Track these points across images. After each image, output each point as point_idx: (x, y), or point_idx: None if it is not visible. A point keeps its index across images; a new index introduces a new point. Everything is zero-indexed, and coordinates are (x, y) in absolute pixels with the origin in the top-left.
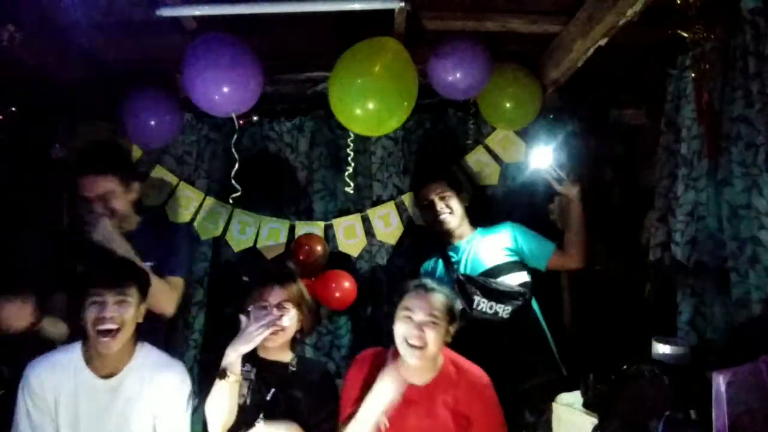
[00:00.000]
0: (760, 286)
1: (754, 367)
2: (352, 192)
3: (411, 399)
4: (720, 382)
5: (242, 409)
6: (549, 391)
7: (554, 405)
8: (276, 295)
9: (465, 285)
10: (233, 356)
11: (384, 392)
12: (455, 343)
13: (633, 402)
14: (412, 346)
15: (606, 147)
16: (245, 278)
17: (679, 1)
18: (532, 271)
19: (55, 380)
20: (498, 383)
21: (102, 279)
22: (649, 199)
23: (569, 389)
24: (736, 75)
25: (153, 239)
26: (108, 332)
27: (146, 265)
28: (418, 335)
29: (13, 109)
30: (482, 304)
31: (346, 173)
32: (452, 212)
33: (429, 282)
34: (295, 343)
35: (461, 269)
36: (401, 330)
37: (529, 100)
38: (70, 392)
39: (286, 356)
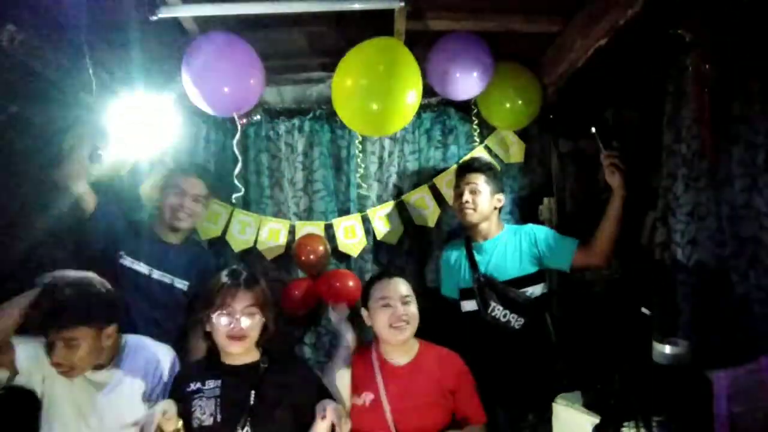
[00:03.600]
0: (760, 286)
1: (754, 367)
2: (366, 193)
3: (396, 374)
4: (720, 382)
5: (212, 428)
6: (550, 392)
7: (554, 405)
8: (241, 299)
9: (484, 287)
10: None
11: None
12: (466, 343)
13: (633, 402)
14: (397, 327)
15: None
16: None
17: (678, 1)
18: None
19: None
20: (498, 384)
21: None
22: (649, 199)
23: (569, 389)
24: (736, 75)
25: (190, 261)
26: (58, 365)
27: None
28: (403, 313)
29: (14, 108)
30: (497, 310)
31: (358, 174)
32: (475, 210)
33: (388, 271)
34: (260, 342)
35: (483, 271)
36: (384, 317)
37: (529, 100)
38: (61, 379)
39: (254, 356)
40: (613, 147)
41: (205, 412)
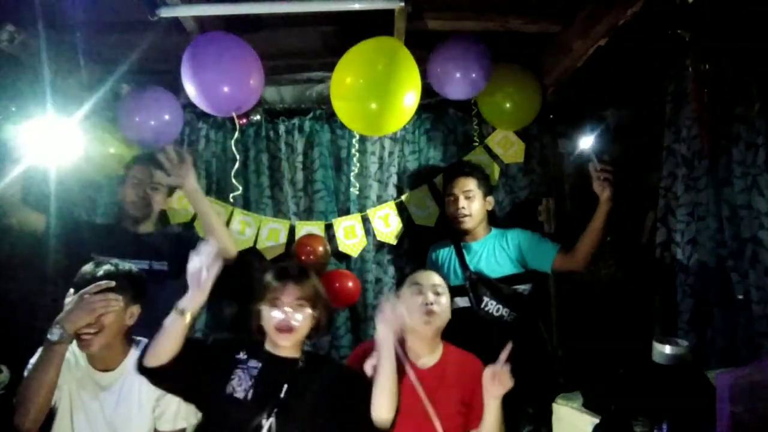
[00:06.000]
0: (760, 286)
1: (754, 367)
2: (357, 193)
3: (421, 381)
4: (722, 382)
5: (242, 404)
6: (549, 391)
7: (554, 405)
8: (291, 293)
9: (477, 283)
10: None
11: (386, 355)
12: (458, 339)
13: (633, 402)
14: (429, 312)
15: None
16: None
17: (678, 1)
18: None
19: None
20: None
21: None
22: (649, 199)
23: (569, 389)
24: (736, 75)
25: (168, 243)
26: (84, 336)
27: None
28: (433, 300)
29: (14, 108)
30: (490, 305)
31: (352, 174)
32: (470, 215)
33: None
34: (311, 336)
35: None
36: (416, 302)
37: (529, 100)
38: (72, 380)
39: (296, 353)
40: (605, 161)
41: (241, 384)
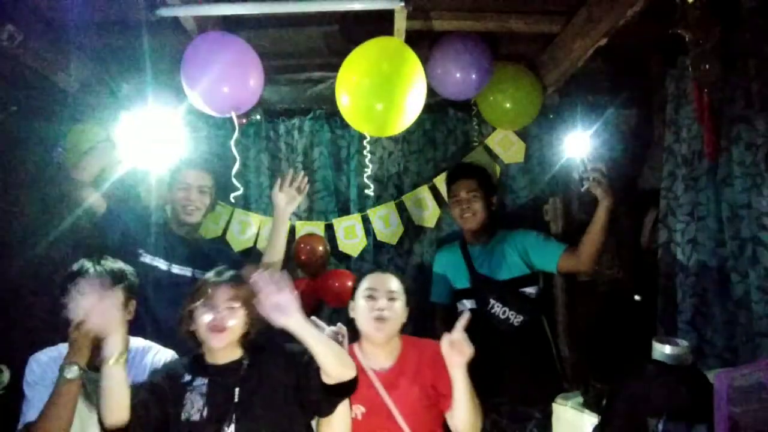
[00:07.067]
0: (760, 286)
1: (754, 367)
2: (372, 194)
3: (381, 382)
4: (721, 382)
5: (200, 424)
6: (551, 392)
7: (554, 405)
8: (224, 293)
9: (483, 286)
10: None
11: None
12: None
13: (633, 401)
14: (377, 320)
15: (605, 147)
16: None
17: (678, 1)
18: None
19: (57, 369)
20: (500, 381)
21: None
22: (649, 199)
23: (569, 390)
24: (736, 75)
25: (213, 254)
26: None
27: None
28: (385, 306)
29: (14, 108)
30: (497, 307)
31: (365, 175)
32: (475, 215)
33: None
34: (244, 340)
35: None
36: (366, 308)
37: (529, 100)
38: None
39: (237, 354)
40: (592, 162)
41: (193, 406)
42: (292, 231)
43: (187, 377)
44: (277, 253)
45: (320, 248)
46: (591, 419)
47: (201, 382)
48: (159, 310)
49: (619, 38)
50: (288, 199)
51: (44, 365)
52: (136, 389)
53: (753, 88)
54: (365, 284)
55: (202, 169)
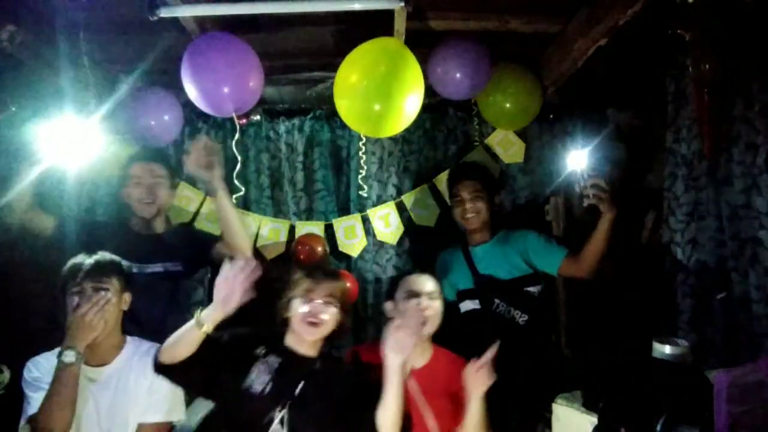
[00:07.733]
0: (760, 286)
1: (754, 367)
2: (366, 195)
3: (416, 380)
4: (720, 382)
5: (258, 397)
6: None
7: (554, 405)
8: (324, 289)
9: (487, 285)
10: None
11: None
12: (469, 342)
13: (633, 402)
14: (425, 317)
15: (605, 147)
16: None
17: (678, 1)
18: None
19: (53, 368)
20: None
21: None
22: (650, 199)
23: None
24: (736, 75)
25: (179, 243)
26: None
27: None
28: (427, 306)
29: (14, 108)
30: (501, 306)
31: (360, 176)
32: (478, 215)
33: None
34: (333, 338)
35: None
36: (410, 308)
37: (529, 100)
38: None
39: (315, 352)
40: (595, 177)
41: (260, 378)
42: (292, 231)
43: (261, 350)
44: (234, 233)
45: (319, 248)
46: (591, 419)
47: (275, 359)
48: (140, 313)
49: (619, 38)
50: (208, 169)
51: (42, 367)
52: (205, 341)
53: (753, 88)
54: (406, 285)
55: (151, 161)
